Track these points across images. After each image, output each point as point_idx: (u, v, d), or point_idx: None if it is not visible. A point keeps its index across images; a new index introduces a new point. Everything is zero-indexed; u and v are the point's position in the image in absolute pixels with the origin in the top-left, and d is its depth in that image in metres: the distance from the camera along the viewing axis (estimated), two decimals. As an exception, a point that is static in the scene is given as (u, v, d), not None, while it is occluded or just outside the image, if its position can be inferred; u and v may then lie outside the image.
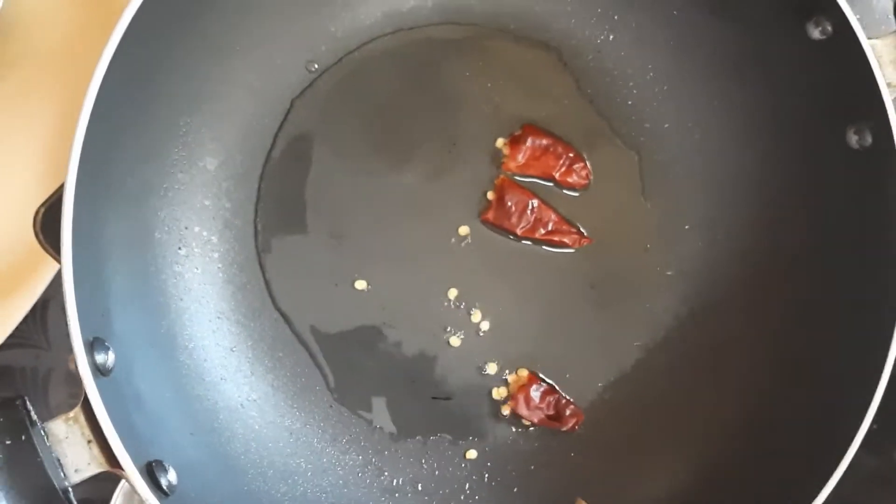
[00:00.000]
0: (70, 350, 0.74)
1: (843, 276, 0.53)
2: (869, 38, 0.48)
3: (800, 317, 0.55)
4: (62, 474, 0.43)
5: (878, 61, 0.48)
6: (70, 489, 0.43)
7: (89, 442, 0.43)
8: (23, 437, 0.41)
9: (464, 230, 0.57)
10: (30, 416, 0.42)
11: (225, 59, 0.54)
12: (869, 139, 0.50)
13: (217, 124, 0.55)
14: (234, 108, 0.56)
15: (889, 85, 0.49)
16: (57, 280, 0.65)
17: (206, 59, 0.53)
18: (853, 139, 0.51)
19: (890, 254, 0.49)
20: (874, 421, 0.62)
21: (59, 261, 0.58)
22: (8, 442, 0.41)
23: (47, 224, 0.55)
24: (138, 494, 0.43)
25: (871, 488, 0.63)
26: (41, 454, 0.42)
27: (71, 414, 0.43)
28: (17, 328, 0.65)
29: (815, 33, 0.50)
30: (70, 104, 0.65)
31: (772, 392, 0.55)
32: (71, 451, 0.43)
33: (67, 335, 0.74)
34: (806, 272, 0.55)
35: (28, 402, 0.43)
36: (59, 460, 0.43)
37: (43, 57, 0.64)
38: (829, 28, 0.49)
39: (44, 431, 0.43)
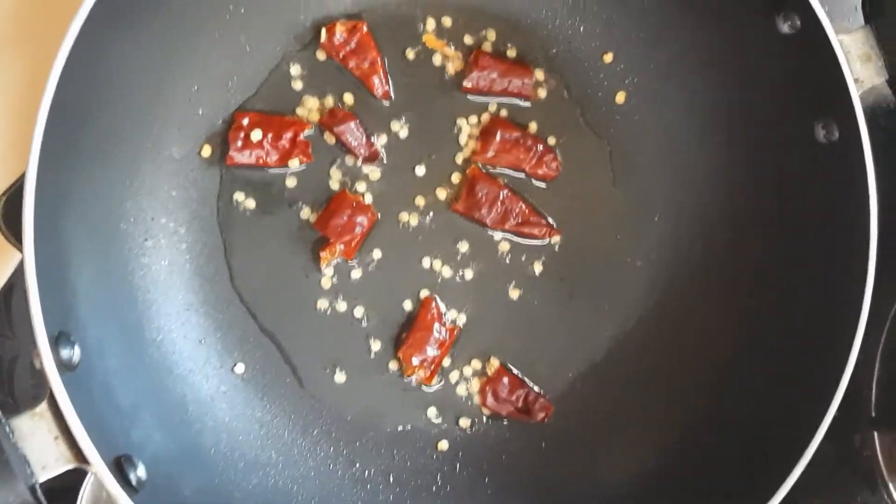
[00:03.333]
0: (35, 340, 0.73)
1: (806, 269, 0.53)
2: (837, 34, 0.49)
3: (764, 307, 0.55)
4: (29, 471, 0.42)
5: (846, 56, 0.49)
6: (37, 485, 0.42)
7: (56, 438, 0.43)
8: (-12, 435, 0.41)
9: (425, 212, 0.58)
10: (-6, 414, 0.42)
11: (195, 49, 0.53)
12: (836, 134, 0.51)
13: (184, 113, 0.54)
14: (201, 98, 0.55)
15: (856, 80, 0.49)
16: (21, 266, 0.64)
17: (174, 49, 0.52)
18: (821, 133, 0.51)
19: (854, 247, 0.50)
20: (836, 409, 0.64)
21: (20, 250, 0.57)
22: (-28, 440, 0.41)
23: (9, 213, 0.55)
24: (106, 489, 0.43)
25: (830, 471, 0.64)
26: (7, 452, 0.41)
27: (37, 410, 0.43)
28: (-22, 316, 0.63)
29: (784, 27, 0.51)
30: (29, 91, 0.63)
31: (736, 379, 0.56)
32: (38, 447, 0.42)
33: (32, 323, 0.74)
34: (771, 264, 0.56)
35: (-9, 400, 0.42)
36: (25, 457, 0.42)
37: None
38: (798, 22, 0.50)
39: (9, 428, 0.42)
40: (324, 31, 0.55)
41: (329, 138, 0.56)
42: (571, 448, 0.58)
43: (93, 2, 0.43)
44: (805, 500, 0.59)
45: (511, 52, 0.58)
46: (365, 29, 0.56)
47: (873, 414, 0.61)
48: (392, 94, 0.57)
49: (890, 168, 0.61)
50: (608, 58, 0.58)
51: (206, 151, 0.55)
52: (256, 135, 0.54)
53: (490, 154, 0.57)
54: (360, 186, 0.57)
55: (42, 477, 0.42)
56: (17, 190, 0.55)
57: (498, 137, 0.57)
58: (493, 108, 0.58)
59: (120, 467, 0.44)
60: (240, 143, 0.54)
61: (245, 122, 0.54)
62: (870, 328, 0.60)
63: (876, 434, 0.61)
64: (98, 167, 0.50)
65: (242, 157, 0.55)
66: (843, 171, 0.50)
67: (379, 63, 0.56)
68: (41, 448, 0.42)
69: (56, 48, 0.62)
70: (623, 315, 0.59)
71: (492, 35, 0.58)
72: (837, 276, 0.51)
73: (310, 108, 0.56)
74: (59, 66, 0.42)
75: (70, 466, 0.43)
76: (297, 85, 0.56)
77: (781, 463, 0.50)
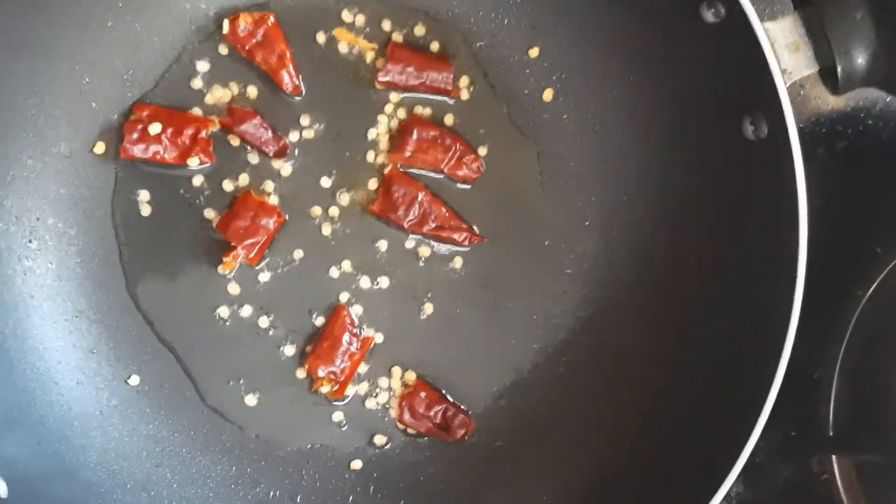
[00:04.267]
0: None
1: (738, 275, 0.50)
2: (763, 21, 0.46)
3: (696, 318, 0.52)
4: None
5: (773, 45, 0.45)
6: None
7: None
8: None
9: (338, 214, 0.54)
10: None
11: (84, 37, 0.50)
12: (765, 130, 0.47)
13: (73, 106, 0.51)
14: (94, 90, 0.52)
15: (784, 71, 0.46)
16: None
17: (59, 36, 0.49)
18: (749, 130, 0.48)
19: (785, 249, 0.46)
20: (792, 428, 0.60)
21: None
22: None
23: None
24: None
25: (788, 496, 0.60)
26: None
27: None
28: None
29: (709, 16, 0.47)
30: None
31: (667, 395, 0.52)
32: None
33: None
34: (702, 271, 0.52)
35: None
36: None
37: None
38: (723, 10, 0.47)
39: None
40: (226, 21, 0.52)
41: (234, 139, 0.53)
42: (493, 467, 0.55)
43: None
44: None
45: (433, 47, 0.55)
46: (272, 20, 0.53)
47: (831, 434, 0.58)
48: (303, 90, 0.54)
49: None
50: (534, 52, 0.55)
51: (100, 148, 0.52)
52: (155, 128, 0.51)
53: (406, 154, 0.54)
54: (268, 186, 0.54)
55: None
56: None
57: (414, 136, 0.54)
58: (412, 106, 0.55)
59: (-26, 485, 0.41)
60: (136, 136, 0.51)
61: (144, 114, 0.52)
62: (828, 342, 0.58)
63: (834, 457, 0.58)
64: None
65: (137, 151, 0.52)
66: (773, 169, 0.47)
67: (288, 57, 0.53)
68: None
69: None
70: (552, 326, 0.56)
71: (418, 29, 0.55)
72: (770, 277, 0.48)
73: (213, 101, 0.53)
74: None
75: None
76: (199, 80, 0.53)
77: (712, 480, 0.46)
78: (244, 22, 0.52)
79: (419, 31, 0.55)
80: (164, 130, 0.52)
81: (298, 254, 0.54)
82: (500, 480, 0.54)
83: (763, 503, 0.61)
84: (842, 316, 0.59)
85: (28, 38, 0.48)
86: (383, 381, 0.54)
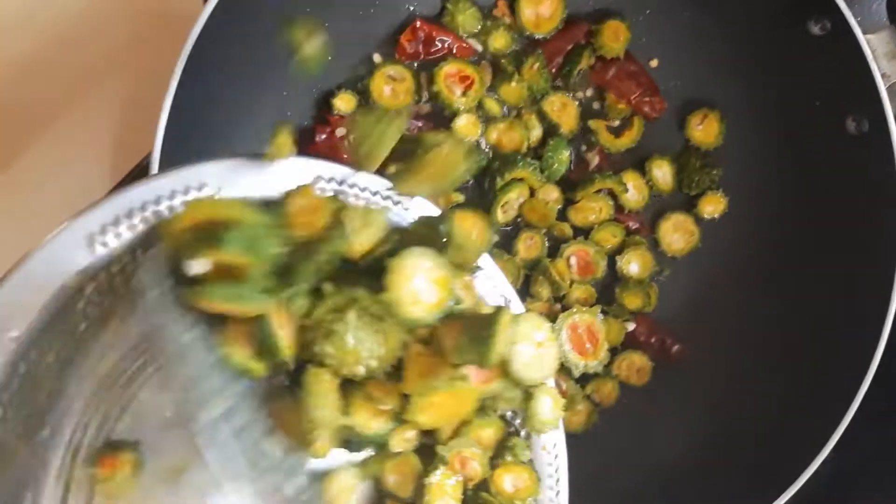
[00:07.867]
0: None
1: (835, 269, 0.57)
2: (864, 34, 0.53)
3: (791, 310, 0.60)
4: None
5: (873, 54, 0.53)
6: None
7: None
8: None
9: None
10: None
11: (282, 64, 0.58)
12: (866, 126, 0.55)
13: (275, 115, 0.59)
14: (289, 102, 0.60)
15: (883, 75, 0.53)
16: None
17: (265, 64, 0.56)
18: (852, 126, 0.56)
19: (883, 240, 0.54)
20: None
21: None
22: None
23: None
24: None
25: None
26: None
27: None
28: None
29: (816, 30, 0.55)
30: (131, 105, 0.69)
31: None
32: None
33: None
34: (802, 265, 0.60)
35: None
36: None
37: (106, 61, 0.69)
38: (829, 25, 0.55)
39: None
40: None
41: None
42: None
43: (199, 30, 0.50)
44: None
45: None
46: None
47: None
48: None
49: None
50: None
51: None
52: (341, 132, 0.61)
53: (609, 75, 0.63)
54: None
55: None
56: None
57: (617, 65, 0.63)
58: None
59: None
60: (324, 137, 0.60)
61: (333, 119, 0.61)
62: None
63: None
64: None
65: (324, 150, 0.60)
66: (874, 161, 0.54)
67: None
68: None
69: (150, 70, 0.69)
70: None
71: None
72: (864, 276, 0.55)
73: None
74: (174, 81, 0.49)
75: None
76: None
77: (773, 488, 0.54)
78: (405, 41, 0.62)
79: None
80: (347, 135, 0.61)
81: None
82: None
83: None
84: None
85: (242, 67, 0.56)
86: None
